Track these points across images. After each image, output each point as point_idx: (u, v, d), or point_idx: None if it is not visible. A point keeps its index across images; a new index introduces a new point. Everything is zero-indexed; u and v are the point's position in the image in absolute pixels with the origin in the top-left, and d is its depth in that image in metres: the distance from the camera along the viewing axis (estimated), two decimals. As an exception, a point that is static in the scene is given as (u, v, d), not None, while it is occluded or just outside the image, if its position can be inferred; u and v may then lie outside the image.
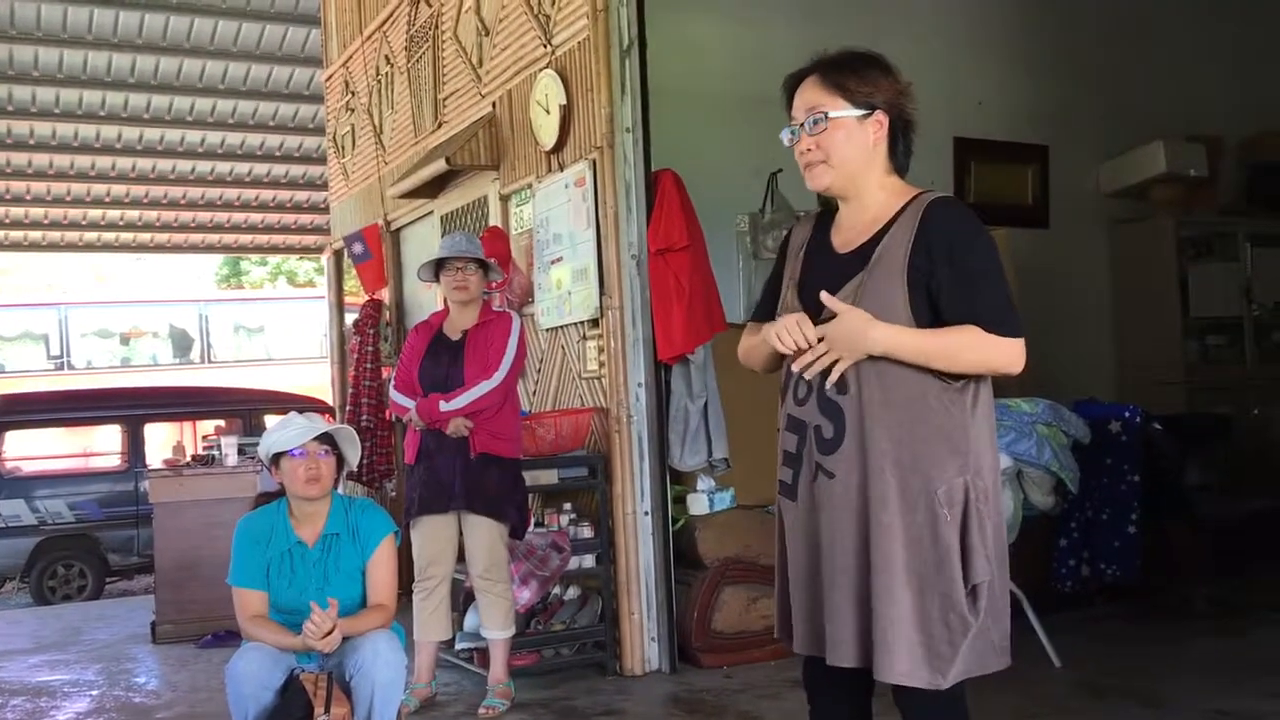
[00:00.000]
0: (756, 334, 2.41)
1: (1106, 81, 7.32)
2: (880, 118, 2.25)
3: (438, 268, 4.61)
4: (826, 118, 2.23)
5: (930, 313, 2.17)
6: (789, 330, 2.21)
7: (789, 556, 2.34)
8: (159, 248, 15.40)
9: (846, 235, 2.31)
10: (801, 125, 2.27)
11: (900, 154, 2.30)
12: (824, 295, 2.19)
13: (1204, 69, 7.51)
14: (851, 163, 2.25)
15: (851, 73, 2.25)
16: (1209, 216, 7.64)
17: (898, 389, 2.17)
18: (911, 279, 2.17)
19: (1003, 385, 2.39)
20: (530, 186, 5.62)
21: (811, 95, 2.26)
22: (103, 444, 10.76)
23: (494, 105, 5.99)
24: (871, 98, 2.24)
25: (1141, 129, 7.32)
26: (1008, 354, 2.16)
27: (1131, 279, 7.57)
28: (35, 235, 14.21)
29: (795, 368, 2.23)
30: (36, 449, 11.08)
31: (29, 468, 10.07)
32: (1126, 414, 5.32)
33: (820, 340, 2.18)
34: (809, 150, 2.26)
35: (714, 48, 6.34)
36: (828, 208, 2.42)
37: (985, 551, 2.15)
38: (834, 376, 2.18)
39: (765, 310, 2.46)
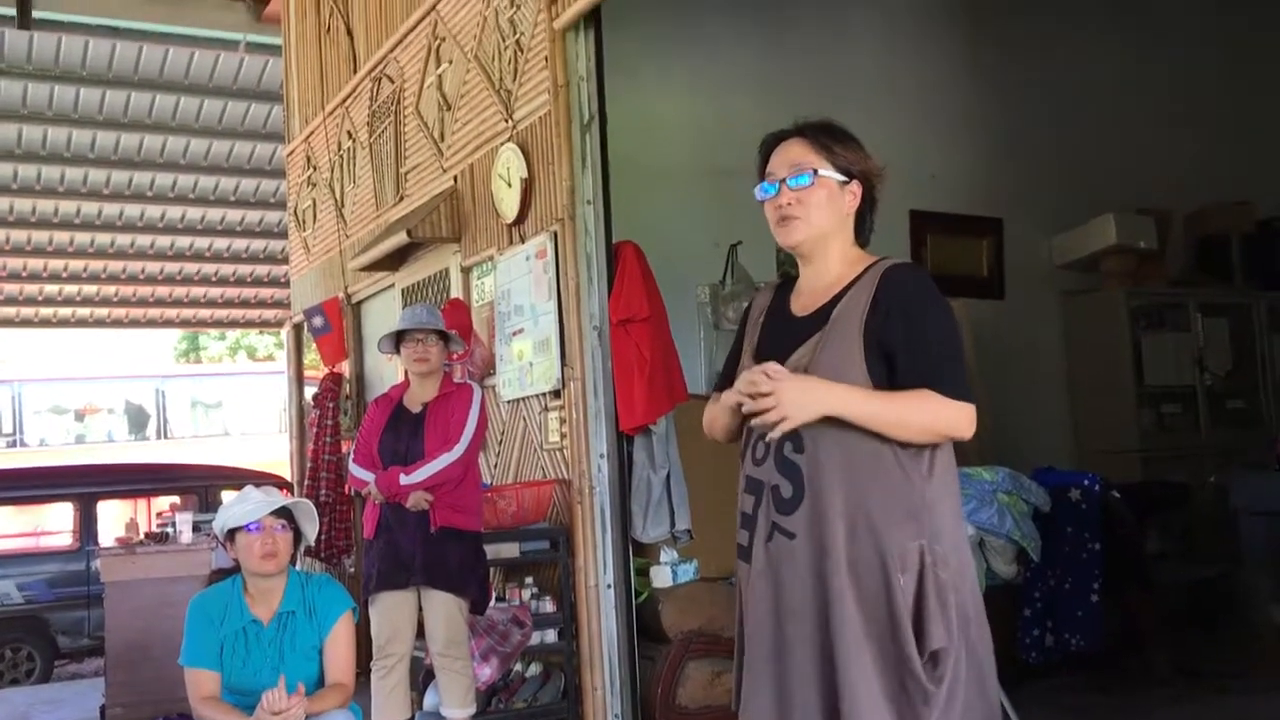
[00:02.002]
0: (719, 403, 2.41)
1: (1058, 156, 7.47)
2: (856, 188, 2.32)
3: (398, 340, 4.60)
4: (816, 174, 2.28)
5: (887, 375, 2.19)
6: (750, 383, 2.17)
7: (748, 626, 2.30)
8: (117, 323, 15.31)
9: (806, 300, 2.34)
10: (783, 180, 2.30)
11: (866, 229, 2.36)
12: (771, 365, 2.18)
13: (1153, 144, 7.67)
14: (827, 223, 2.29)
15: (837, 140, 2.33)
16: (1159, 287, 7.77)
17: (854, 449, 2.16)
18: (868, 340, 2.19)
19: (963, 454, 2.39)
20: (492, 259, 5.64)
21: (798, 153, 2.31)
22: (54, 522, 10.53)
23: (455, 179, 6.03)
24: (853, 166, 2.31)
25: (1092, 202, 7.45)
26: (957, 418, 2.17)
27: (1085, 349, 7.67)
28: (-10, 311, 14.11)
29: (754, 423, 2.20)
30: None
31: (-24, 548, 9.85)
32: (1086, 482, 5.35)
33: (771, 391, 2.13)
34: (788, 204, 2.29)
35: (674, 122, 6.44)
36: (788, 276, 2.45)
37: (944, 619, 2.13)
38: (776, 433, 2.15)
39: (727, 380, 2.45)
